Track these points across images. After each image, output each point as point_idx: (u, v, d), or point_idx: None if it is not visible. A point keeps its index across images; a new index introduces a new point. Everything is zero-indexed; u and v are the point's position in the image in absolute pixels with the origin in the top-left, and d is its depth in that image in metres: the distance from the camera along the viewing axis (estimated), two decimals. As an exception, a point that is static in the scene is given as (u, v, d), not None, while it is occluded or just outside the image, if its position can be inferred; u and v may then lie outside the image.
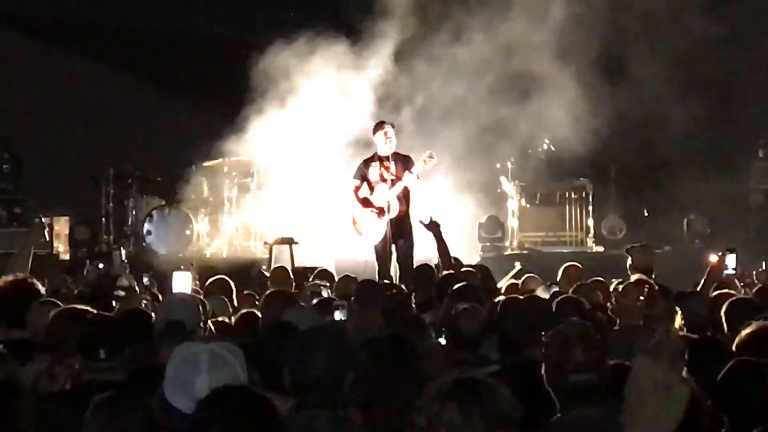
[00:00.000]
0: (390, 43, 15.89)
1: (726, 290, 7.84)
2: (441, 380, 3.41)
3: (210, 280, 8.92)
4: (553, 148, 16.83)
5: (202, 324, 5.89)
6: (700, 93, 15.33)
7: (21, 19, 20.20)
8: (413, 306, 7.81)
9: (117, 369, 4.98)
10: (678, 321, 6.62)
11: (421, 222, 10.14)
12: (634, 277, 7.92)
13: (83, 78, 19.33)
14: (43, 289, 6.23)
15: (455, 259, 10.45)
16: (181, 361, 3.78)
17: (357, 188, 12.56)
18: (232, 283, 8.76)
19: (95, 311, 5.71)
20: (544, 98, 15.82)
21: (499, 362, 5.55)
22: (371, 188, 12.46)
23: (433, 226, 9.86)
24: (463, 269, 9.74)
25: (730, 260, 8.74)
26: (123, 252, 10.14)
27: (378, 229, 12.32)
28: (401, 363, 4.38)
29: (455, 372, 4.14)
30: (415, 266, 10.28)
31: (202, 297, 6.84)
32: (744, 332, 5.22)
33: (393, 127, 12.53)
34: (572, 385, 4.09)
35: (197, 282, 8.89)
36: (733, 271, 8.77)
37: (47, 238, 14.41)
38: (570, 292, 7.92)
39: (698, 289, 8.19)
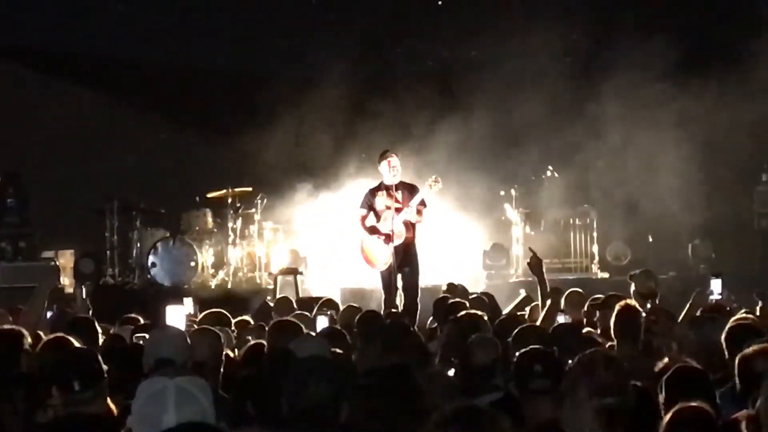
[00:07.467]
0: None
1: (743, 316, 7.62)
2: (443, 409, 3.40)
3: (203, 313, 8.82)
4: (556, 175, 16.82)
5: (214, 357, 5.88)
6: (704, 116, 15.35)
7: (25, 52, 20.28)
8: (418, 334, 7.75)
9: (93, 401, 4.95)
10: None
11: (528, 263, 9.23)
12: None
13: (86, 111, 19.38)
14: (28, 340, 6.17)
15: (461, 286, 10.44)
16: (148, 397, 3.70)
17: (363, 218, 12.64)
18: (229, 315, 8.69)
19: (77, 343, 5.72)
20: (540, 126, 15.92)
21: (502, 390, 5.52)
22: (378, 217, 12.53)
23: (536, 266, 8.88)
24: (471, 296, 9.69)
25: (716, 285, 8.57)
26: (84, 290, 10.07)
27: (386, 255, 12.35)
28: (399, 395, 4.37)
29: (458, 400, 4.15)
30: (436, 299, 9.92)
31: (218, 329, 6.75)
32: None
33: (397, 156, 12.60)
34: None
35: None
36: (719, 296, 8.52)
37: (61, 282, 14.40)
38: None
39: (682, 315, 7.90)
